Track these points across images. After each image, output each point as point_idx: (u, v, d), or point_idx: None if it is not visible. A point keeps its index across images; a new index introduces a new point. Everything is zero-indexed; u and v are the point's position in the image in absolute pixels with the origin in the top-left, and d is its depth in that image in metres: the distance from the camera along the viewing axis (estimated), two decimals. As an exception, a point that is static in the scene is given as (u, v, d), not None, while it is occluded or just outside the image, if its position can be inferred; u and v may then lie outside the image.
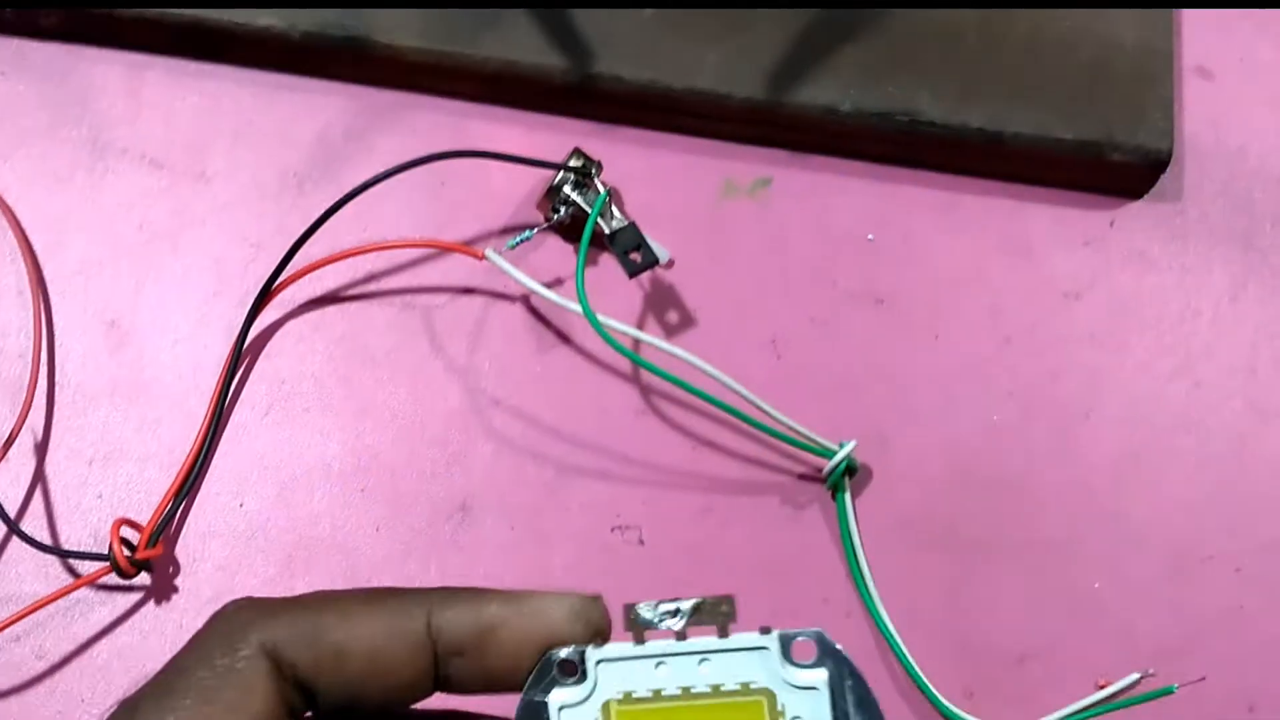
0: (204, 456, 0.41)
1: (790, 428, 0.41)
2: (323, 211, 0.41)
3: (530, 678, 0.25)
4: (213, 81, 0.45)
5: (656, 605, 0.26)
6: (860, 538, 0.41)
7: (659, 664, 0.26)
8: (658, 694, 0.26)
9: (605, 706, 0.26)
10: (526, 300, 0.43)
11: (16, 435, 0.40)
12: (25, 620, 0.39)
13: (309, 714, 0.24)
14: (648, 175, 0.45)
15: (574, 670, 0.25)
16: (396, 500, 0.41)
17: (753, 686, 0.26)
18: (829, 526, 0.42)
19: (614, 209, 0.42)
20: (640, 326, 0.43)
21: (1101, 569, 0.42)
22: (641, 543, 0.41)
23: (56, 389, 0.42)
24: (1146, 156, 0.44)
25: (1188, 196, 0.46)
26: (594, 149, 0.44)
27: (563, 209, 0.42)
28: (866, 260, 0.44)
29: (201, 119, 0.45)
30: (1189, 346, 0.44)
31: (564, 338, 0.43)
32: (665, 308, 0.44)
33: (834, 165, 0.45)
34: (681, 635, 0.26)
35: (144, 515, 0.40)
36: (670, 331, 0.43)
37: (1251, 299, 0.45)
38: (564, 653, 0.25)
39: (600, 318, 0.40)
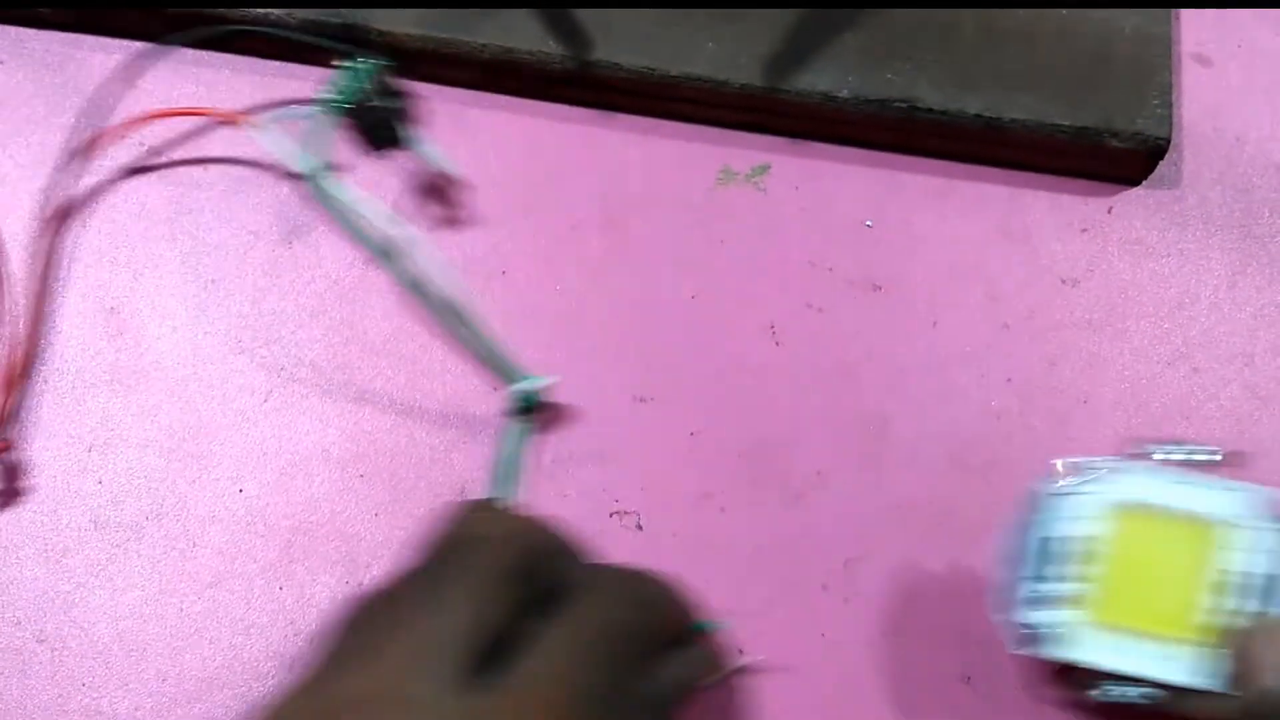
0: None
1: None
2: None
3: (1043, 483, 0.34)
4: (210, 70, 0.45)
5: (1164, 445, 0.34)
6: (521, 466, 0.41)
7: (1159, 481, 0.33)
8: (1146, 505, 0.33)
9: (1113, 505, 0.33)
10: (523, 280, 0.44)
11: (10, 412, 0.41)
12: (26, 604, 0.39)
13: None
14: (645, 162, 0.45)
15: (1077, 472, 0.34)
16: (396, 486, 0.41)
17: (1217, 517, 0.33)
18: (828, 509, 0.42)
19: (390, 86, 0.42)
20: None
21: (1099, 555, 0.42)
22: (640, 528, 0.41)
23: (55, 375, 0.42)
24: (1145, 143, 0.44)
25: (1186, 183, 0.46)
26: (592, 136, 0.44)
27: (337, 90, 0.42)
28: (864, 247, 0.44)
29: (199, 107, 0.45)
30: (1187, 333, 0.44)
31: (558, 319, 0.43)
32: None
33: (832, 152, 0.45)
34: (1178, 463, 0.34)
35: (145, 499, 0.40)
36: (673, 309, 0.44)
37: (1250, 285, 0.45)
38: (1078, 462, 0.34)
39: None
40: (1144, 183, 0.46)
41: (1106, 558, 0.33)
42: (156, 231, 0.43)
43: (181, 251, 0.43)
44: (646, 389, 0.43)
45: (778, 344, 0.43)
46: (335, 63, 0.42)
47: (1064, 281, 0.44)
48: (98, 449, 0.41)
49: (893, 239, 0.45)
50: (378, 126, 0.41)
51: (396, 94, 0.42)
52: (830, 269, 0.44)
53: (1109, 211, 0.45)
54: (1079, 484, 0.34)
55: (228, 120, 0.42)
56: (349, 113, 0.42)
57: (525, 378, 0.41)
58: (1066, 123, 0.43)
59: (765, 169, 0.45)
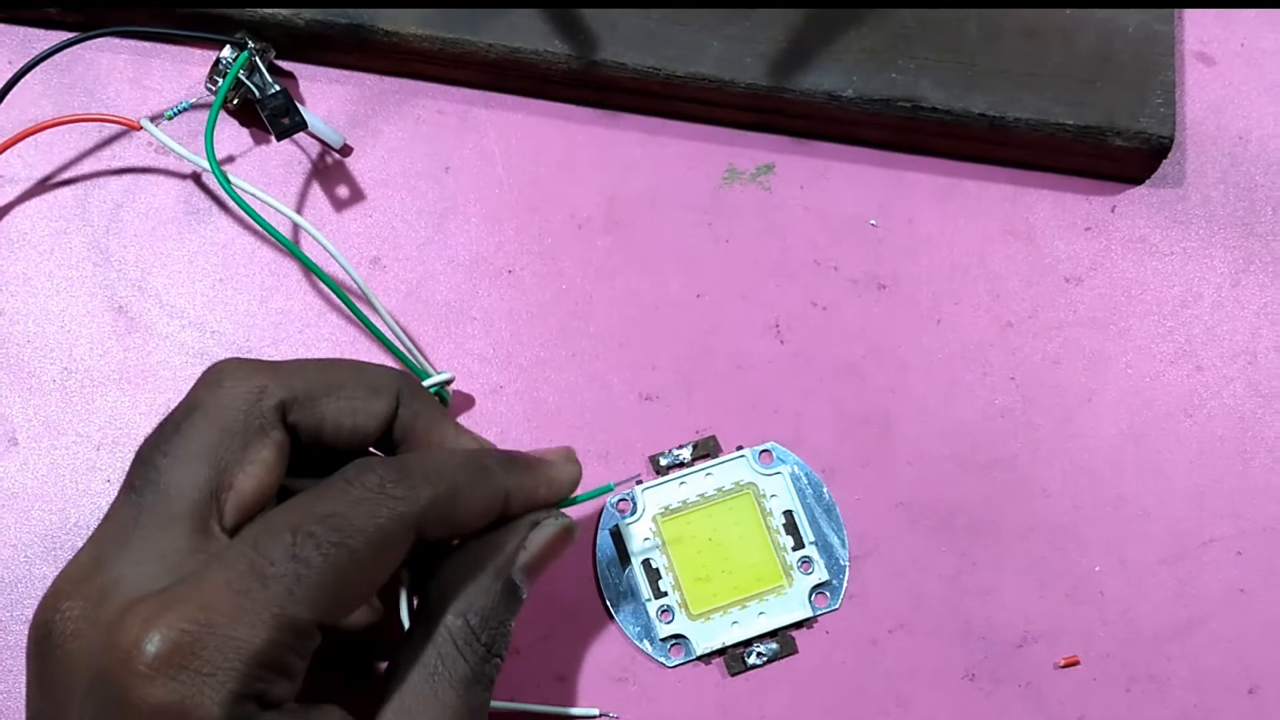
0: None
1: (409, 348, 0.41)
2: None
3: (599, 519, 0.40)
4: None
5: (670, 451, 0.41)
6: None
7: (680, 483, 0.41)
8: (684, 503, 0.41)
9: (654, 519, 0.41)
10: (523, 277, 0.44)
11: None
12: (34, 603, 0.39)
13: None
14: (651, 161, 0.45)
15: (629, 507, 0.40)
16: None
17: (742, 482, 0.41)
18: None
19: (267, 76, 0.42)
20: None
21: (1102, 552, 0.42)
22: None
23: (64, 374, 0.42)
24: (1148, 142, 0.44)
25: (1189, 182, 0.46)
26: (598, 136, 0.44)
27: (220, 80, 0.43)
28: (869, 245, 0.45)
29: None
30: (1190, 331, 0.44)
31: (564, 317, 0.43)
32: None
33: (837, 151, 0.45)
34: (688, 464, 0.41)
35: (152, 499, 0.40)
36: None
37: (1253, 284, 0.45)
38: (620, 496, 0.41)
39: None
40: (1147, 181, 0.46)
41: (679, 560, 0.40)
42: (164, 231, 0.44)
43: (189, 251, 0.44)
44: (652, 387, 0.43)
45: (782, 342, 0.44)
46: (220, 55, 0.43)
47: (1067, 280, 0.45)
48: (106, 448, 0.41)
49: (897, 238, 0.45)
50: (273, 115, 0.42)
51: (275, 79, 0.43)
52: (835, 267, 0.44)
53: (1112, 210, 0.46)
54: (632, 516, 0.40)
55: (126, 125, 0.43)
56: (244, 103, 0.43)
57: (429, 374, 0.41)
58: (1070, 122, 0.44)
59: (770, 168, 0.45)
